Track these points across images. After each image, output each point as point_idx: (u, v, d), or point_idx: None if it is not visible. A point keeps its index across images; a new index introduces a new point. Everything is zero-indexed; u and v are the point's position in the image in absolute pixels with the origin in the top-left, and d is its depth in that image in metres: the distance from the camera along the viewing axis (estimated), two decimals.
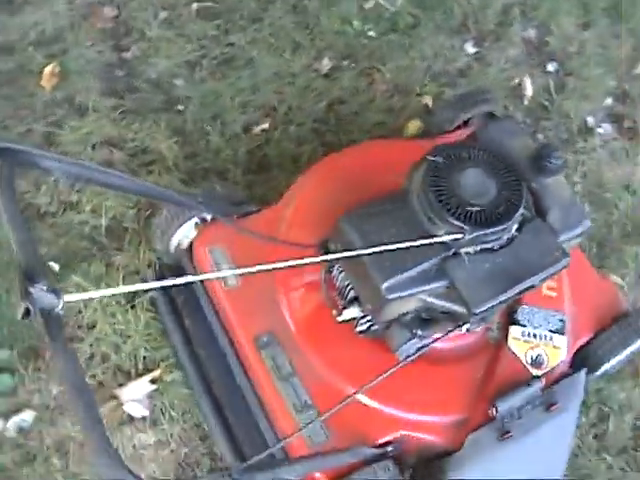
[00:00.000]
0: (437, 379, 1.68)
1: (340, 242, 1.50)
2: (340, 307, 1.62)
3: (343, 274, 1.58)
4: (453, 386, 1.69)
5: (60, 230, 1.99)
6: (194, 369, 1.80)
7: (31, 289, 0.98)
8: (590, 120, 2.46)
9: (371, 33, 2.53)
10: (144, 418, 1.75)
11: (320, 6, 2.54)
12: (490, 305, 1.43)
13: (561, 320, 1.77)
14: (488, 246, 1.45)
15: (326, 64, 2.44)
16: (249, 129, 2.26)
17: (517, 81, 2.50)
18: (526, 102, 2.47)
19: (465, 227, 1.41)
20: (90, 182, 1.35)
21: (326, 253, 1.57)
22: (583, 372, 1.74)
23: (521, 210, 1.46)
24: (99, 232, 2.00)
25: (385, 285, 1.41)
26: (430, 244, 1.42)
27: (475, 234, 1.42)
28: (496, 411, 1.61)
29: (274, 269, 1.31)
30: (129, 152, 2.17)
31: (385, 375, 1.50)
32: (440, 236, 1.43)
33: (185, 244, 1.84)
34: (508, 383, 1.68)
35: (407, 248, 1.41)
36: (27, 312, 0.97)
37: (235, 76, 2.37)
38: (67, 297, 0.98)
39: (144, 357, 1.82)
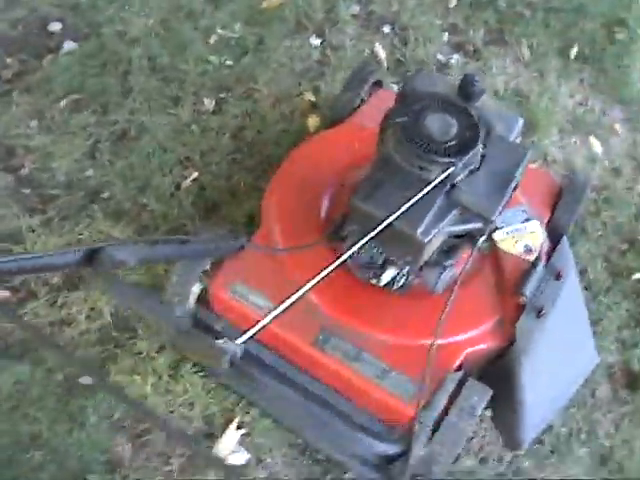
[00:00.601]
0: (467, 299, 1.92)
1: (359, 220, 1.71)
2: (373, 275, 1.83)
3: (367, 247, 1.79)
4: (481, 299, 1.94)
5: (70, 347, 2.00)
6: (269, 401, 1.92)
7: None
8: (440, 57, 2.84)
9: (229, 62, 2.72)
10: (249, 461, 1.85)
11: (172, 58, 2.69)
12: (499, 208, 1.70)
13: (524, 210, 2.10)
14: (472, 167, 1.73)
15: (208, 103, 2.59)
16: (180, 185, 2.38)
17: (368, 51, 2.82)
18: (386, 64, 2.79)
19: (453, 160, 1.67)
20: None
21: (341, 239, 1.80)
22: (563, 238, 2.09)
23: (482, 131, 1.75)
24: (107, 331, 2.04)
25: (419, 231, 1.64)
26: (433, 188, 1.68)
27: (462, 162, 1.68)
28: (524, 297, 1.90)
29: (315, 283, 1.49)
30: None
31: (444, 315, 1.77)
32: (437, 177, 1.68)
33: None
34: (517, 275, 1.97)
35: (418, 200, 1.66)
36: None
37: (137, 146, 2.46)
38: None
39: (216, 413, 1.91)
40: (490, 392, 1.82)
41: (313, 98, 2.65)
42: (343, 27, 2.88)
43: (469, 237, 1.80)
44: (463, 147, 1.69)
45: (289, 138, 2.51)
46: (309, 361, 1.86)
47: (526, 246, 2.05)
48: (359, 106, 2.34)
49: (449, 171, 1.67)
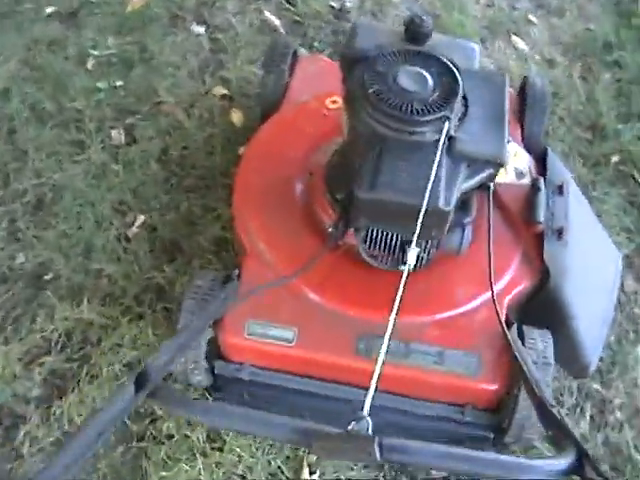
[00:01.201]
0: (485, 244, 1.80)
1: (368, 212, 1.54)
2: (395, 262, 1.67)
3: (383, 233, 1.62)
4: (499, 242, 1.82)
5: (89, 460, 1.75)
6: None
7: None
8: (334, 4, 2.66)
9: (119, 82, 2.42)
10: None
11: (55, 99, 2.37)
12: (505, 145, 1.57)
13: None
14: (461, 113, 1.58)
15: (117, 134, 2.29)
16: (127, 235, 2.11)
17: (258, 21, 2.59)
18: (282, 30, 2.57)
19: (444, 113, 1.51)
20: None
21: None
22: (548, 150, 1.99)
23: (457, 73, 1.59)
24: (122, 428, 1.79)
25: (441, 203, 1.48)
26: (434, 148, 1.52)
27: (453, 112, 1.53)
28: (540, 221, 1.80)
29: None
30: (61, 348, 1.92)
31: (491, 266, 1.67)
32: (434, 136, 1.52)
33: None
34: (523, 203, 1.87)
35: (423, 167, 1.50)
36: None
37: (60, 209, 2.15)
38: None
39: (282, 465, 1.73)
40: (549, 333, 1.72)
41: (225, 91, 2.41)
42: (222, 5, 2.63)
43: (481, 186, 1.67)
44: (448, 95, 1.53)
45: (219, 142, 2.27)
46: (359, 375, 1.70)
47: (516, 170, 1.94)
48: (288, 83, 2.14)
49: (447, 125, 1.51)
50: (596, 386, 1.91)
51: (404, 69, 1.56)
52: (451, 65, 1.58)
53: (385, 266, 1.68)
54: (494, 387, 1.66)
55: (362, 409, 1.11)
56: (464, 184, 1.57)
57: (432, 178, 1.47)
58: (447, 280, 1.74)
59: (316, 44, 2.55)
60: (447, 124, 1.51)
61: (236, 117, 2.33)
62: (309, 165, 1.93)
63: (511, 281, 1.78)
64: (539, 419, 1.38)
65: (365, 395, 1.67)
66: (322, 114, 2.03)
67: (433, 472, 1.76)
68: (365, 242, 1.64)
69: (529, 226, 1.83)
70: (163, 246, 2.08)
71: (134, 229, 2.11)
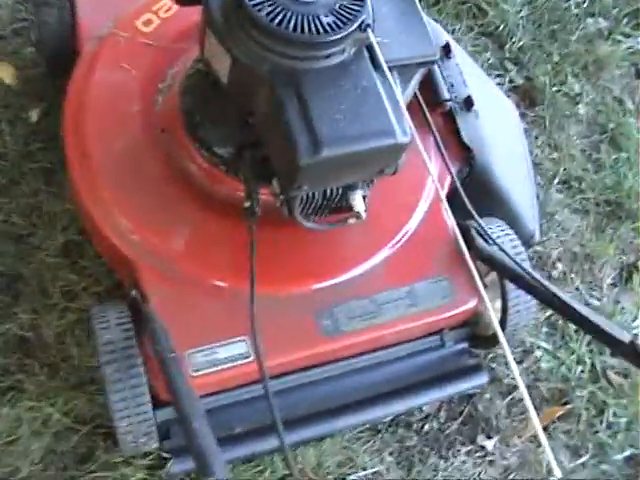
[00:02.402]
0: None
1: (312, 177, 1.18)
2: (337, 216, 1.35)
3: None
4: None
5: None
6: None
7: None
8: None
9: None
10: None
11: None
12: (431, 37, 1.26)
13: None
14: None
15: None
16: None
17: None
18: None
19: (362, 18, 1.15)
20: None
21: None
22: None
23: None
24: None
25: (399, 135, 1.16)
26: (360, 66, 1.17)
27: (370, 17, 1.17)
28: (445, 98, 1.58)
29: None
30: None
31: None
32: (356, 52, 1.17)
33: None
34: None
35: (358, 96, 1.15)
36: None
37: None
38: None
39: None
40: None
41: None
42: None
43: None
44: (357, 6, 1.16)
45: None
46: (334, 353, 1.43)
47: None
48: (74, 14, 1.58)
49: (369, 34, 1.16)
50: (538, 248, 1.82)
51: None
52: None
53: (325, 227, 1.36)
54: (473, 304, 1.48)
55: None
56: (413, 90, 1.27)
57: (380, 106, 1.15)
58: (376, 213, 1.45)
59: None
60: (369, 31, 1.15)
61: (7, 74, 1.72)
62: (154, 119, 1.48)
63: (440, 176, 1.56)
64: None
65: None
66: (142, 43, 1.54)
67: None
68: (302, 208, 1.30)
69: (434, 109, 1.58)
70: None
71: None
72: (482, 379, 1.60)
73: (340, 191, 1.30)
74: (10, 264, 1.57)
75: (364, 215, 1.32)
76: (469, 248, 1.42)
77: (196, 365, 1.30)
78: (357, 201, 1.30)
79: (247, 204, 1.30)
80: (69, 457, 1.42)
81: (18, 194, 1.64)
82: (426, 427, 1.60)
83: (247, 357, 1.32)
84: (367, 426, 1.55)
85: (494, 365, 1.66)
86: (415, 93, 1.50)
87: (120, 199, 1.40)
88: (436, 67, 1.59)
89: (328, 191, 1.30)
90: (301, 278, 1.42)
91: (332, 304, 1.41)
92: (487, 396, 1.64)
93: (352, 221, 1.33)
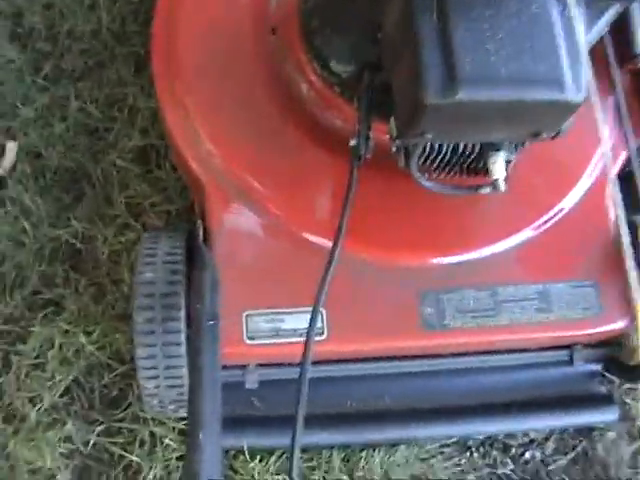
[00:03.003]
0: None
1: (440, 123, 0.86)
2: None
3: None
4: None
5: None
6: None
7: None
8: None
9: None
10: None
11: None
12: None
13: None
14: None
15: None
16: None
17: None
18: None
19: None
20: None
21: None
22: None
23: None
24: None
25: (569, 89, 0.82)
26: None
27: None
28: None
29: None
30: None
31: None
32: None
33: None
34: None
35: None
36: None
37: None
38: None
39: None
40: None
41: None
42: None
43: None
44: None
45: None
46: (437, 350, 1.15)
47: None
48: None
49: None
50: None
51: None
52: None
53: (449, 190, 1.04)
54: (622, 324, 1.14)
55: None
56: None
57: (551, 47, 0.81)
58: (521, 182, 1.11)
59: None
60: None
61: None
62: (267, 15, 1.19)
63: (614, 149, 1.19)
64: None
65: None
66: None
67: None
68: (424, 160, 0.99)
69: (622, 64, 1.21)
70: (57, 182, 1.35)
71: (5, 163, 1.35)
72: (611, 414, 1.26)
73: (477, 148, 0.98)
74: (78, 159, 1.36)
75: (503, 186, 0.99)
76: (635, 251, 1.08)
77: (253, 331, 1.05)
78: (497, 166, 0.97)
79: (353, 142, 1.00)
80: (97, 396, 1.23)
81: (103, 81, 1.41)
82: (527, 455, 1.29)
83: (320, 334, 1.06)
84: (454, 439, 1.27)
85: (629, 400, 1.32)
86: (601, 38, 1.12)
87: (204, 110, 1.14)
88: (637, 8, 1.20)
89: (461, 146, 0.98)
90: (410, 247, 1.13)
91: (441, 288, 1.11)
92: (611, 435, 1.30)
93: (486, 190, 1.01)
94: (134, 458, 1.18)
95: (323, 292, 0.92)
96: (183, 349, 1.01)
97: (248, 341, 1.05)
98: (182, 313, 1.01)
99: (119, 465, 1.19)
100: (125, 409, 1.21)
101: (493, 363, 1.21)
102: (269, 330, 1.05)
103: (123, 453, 1.18)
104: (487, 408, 1.23)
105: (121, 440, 1.20)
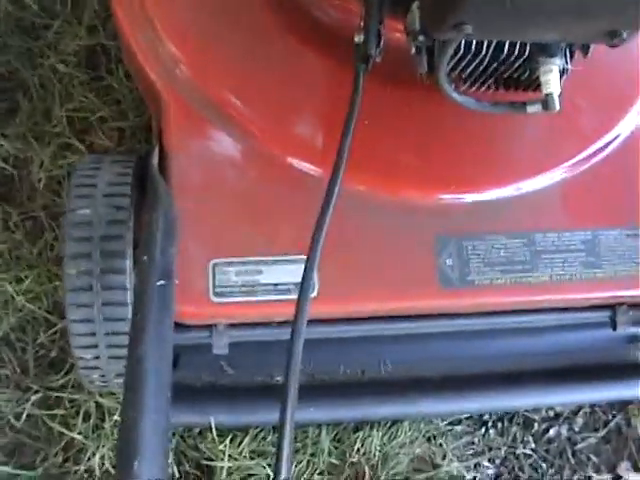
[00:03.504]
0: None
1: (492, 8, 0.62)
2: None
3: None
4: None
5: None
6: None
7: None
8: None
9: None
10: None
11: None
12: None
13: None
14: None
15: None
16: None
17: None
18: None
19: None
20: None
21: None
22: None
23: None
24: None
25: None
26: None
27: None
28: None
29: None
30: None
31: None
32: None
33: None
34: None
35: None
36: None
37: None
38: None
39: None
40: None
41: None
42: None
43: None
44: None
45: None
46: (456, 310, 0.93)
47: None
48: None
49: None
50: None
51: None
52: None
53: (485, 106, 0.80)
54: None
55: None
56: None
57: None
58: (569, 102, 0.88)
59: None
60: None
61: None
62: None
63: None
64: None
65: None
66: None
67: None
68: (453, 66, 0.74)
69: None
70: None
71: None
72: None
73: (526, 52, 0.74)
74: (10, 64, 1.12)
75: (557, 103, 0.76)
76: None
77: (222, 285, 0.82)
78: (551, 77, 0.74)
79: (359, 38, 0.76)
80: (31, 359, 1.01)
81: None
82: (551, 432, 1.09)
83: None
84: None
85: None
86: None
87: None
88: None
89: (505, 47, 0.74)
90: (424, 179, 0.90)
91: (464, 234, 0.88)
92: None
93: (534, 109, 0.77)
94: (76, 436, 0.97)
95: (321, 237, 0.69)
96: (129, 310, 0.79)
97: (215, 298, 0.82)
98: (128, 263, 0.79)
99: (59, 443, 0.98)
100: (66, 374, 1.00)
101: (515, 324, 1.00)
102: (242, 285, 0.83)
103: (63, 430, 0.97)
104: (508, 377, 1.01)
105: (61, 412, 0.99)
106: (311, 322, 0.91)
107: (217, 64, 0.91)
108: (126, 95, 1.10)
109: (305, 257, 0.84)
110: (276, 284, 0.84)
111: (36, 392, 0.99)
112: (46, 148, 1.07)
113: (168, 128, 0.87)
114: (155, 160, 0.84)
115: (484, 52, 0.74)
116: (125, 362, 0.67)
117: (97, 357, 0.82)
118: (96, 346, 0.81)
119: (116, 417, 0.97)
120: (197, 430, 0.98)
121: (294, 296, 0.82)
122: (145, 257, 0.70)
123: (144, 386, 0.63)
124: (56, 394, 0.99)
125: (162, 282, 0.69)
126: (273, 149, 0.89)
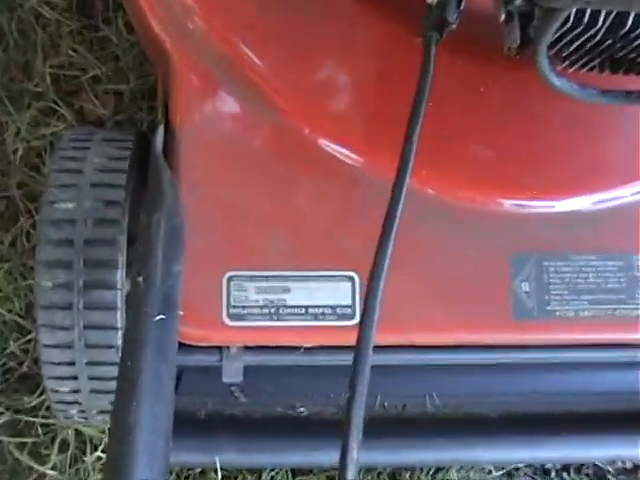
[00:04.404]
0: None
1: None
2: None
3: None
4: None
5: None
6: None
7: None
8: None
9: None
10: None
11: None
12: None
13: None
14: None
15: None
16: None
17: None
18: None
19: None
20: None
21: None
22: None
23: None
24: None
25: None
26: None
27: None
28: None
29: None
30: None
31: None
32: None
33: None
34: None
35: None
36: None
37: None
38: None
39: None
40: None
41: None
42: None
43: None
44: None
45: None
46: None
47: None
48: None
49: None
50: None
51: None
52: None
53: (594, 95, 0.63)
54: None
55: None
56: None
57: None
58: None
59: None
60: None
61: None
62: None
63: None
64: None
65: None
66: None
67: None
68: (556, 42, 0.58)
69: None
70: None
71: None
72: None
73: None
74: None
75: None
76: None
77: (239, 305, 0.67)
78: None
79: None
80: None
81: None
82: None
83: (350, 317, 0.68)
84: None
85: None
86: None
87: None
88: None
89: (629, 20, 0.57)
90: (503, 180, 0.74)
91: (547, 251, 0.73)
92: None
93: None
94: (49, 471, 0.82)
95: (386, 256, 0.54)
96: (119, 334, 0.64)
97: (229, 321, 0.67)
98: (119, 275, 0.64)
99: (27, 478, 0.84)
100: (40, 394, 0.85)
101: (598, 359, 0.86)
102: (264, 305, 0.67)
103: (32, 463, 0.82)
104: (582, 420, 0.87)
105: (32, 440, 0.84)
106: (348, 348, 0.77)
107: (239, 17, 0.75)
108: (126, 50, 0.94)
109: (346, 274, 0.70)
110: (307, 307, 0.69)
111: (1, 414, 0.86)
112: (24, 112, 0.92)
113: (177, 99, 0.71)
114: (159, 140, 0.67)
115: (600, 24, 0.58)
116: (110, 422, 0.52)
117: (76, 391, 0.67)
118: (75, 378, 0.65)
119: (100, 449, 0.83)
120: (198, 470, 0.85)
121: (332, 322, 0.68)
122: (141, 278, 0.54)
123: (135, 467, 0.48)
124: (26, 417, 0.85)
125: (162, 316, 0.54)
126: (304, 128, 0.73)
